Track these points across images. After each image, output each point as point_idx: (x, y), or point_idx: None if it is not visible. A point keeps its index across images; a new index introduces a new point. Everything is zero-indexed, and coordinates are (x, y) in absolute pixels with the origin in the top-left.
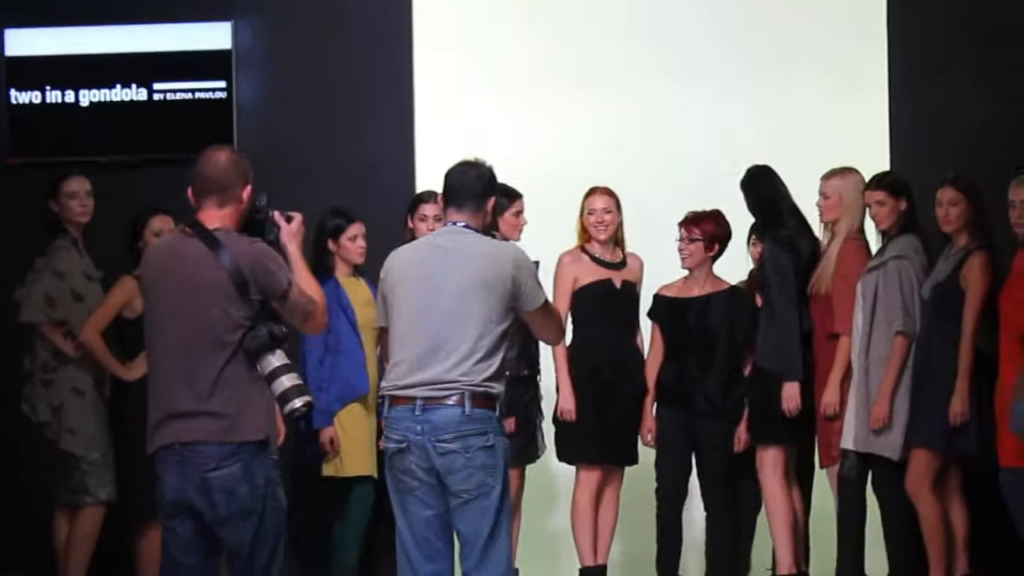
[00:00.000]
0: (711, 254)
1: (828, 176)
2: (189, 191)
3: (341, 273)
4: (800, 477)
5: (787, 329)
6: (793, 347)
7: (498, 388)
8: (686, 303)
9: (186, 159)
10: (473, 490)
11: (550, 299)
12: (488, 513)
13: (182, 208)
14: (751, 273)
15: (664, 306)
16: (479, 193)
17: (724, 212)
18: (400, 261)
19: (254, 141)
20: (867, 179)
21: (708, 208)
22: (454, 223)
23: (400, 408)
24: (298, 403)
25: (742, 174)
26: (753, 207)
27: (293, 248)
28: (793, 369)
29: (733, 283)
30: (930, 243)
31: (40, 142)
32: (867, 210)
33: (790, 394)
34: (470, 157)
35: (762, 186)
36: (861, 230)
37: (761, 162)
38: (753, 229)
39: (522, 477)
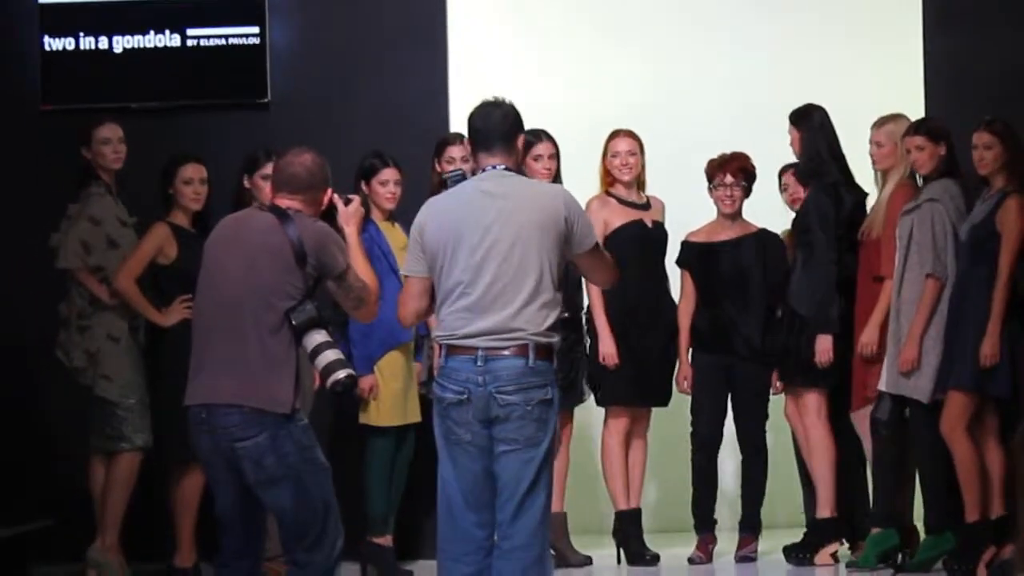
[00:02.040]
0: (746, 197)
1: (881, 123)
2: (267, 187)
3: (377, 218)
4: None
5: (826, 279)
6: (829, 299)
7: (557, 338)
8: (717, 248)
9: (219, 105)
10: (522, 441)
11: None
12: (532, 465)
13: (214, 154)
14: (794, 222)
15: (695, 252)
16: (506, 132)
17: (754, 158)
18: (444, 210)
19: (287, 86)
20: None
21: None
22: (493, 167)
23: (460, 358)
24: (341, 374)
25: (796, 108)
26: (803, 148)
27: (350, 231)
28: (828, 322)
29: (760, 226)
30: (973, 188)
31: (73, 88)
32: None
33: (824, 347)
34: (490, 97)
35: (816, 125)
36: (912, 175)
37: (787, 109)
38: (786, 173)
39: (571, 420)
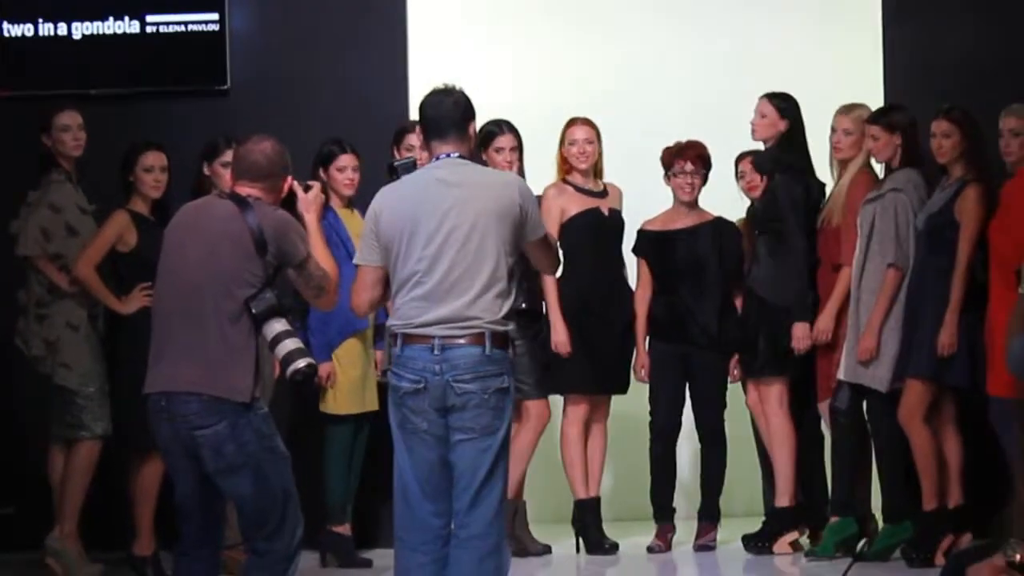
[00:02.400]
0: (703, 185)
1: (848, 110)
2: (227, 174)
3: (336, 205)
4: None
5: (800, 266)
6: (804, 286)
7: (512, 326)
8: (674, 236)
9: (178, 92)
10: (479, 430)
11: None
12: (488, 454)
13: (174, 141)
14: (754, 209)
15: (651, 240)
16: (459, 120)
17: (709, 146)
18: (399, 198)
19: (247, 73)
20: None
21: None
22: (447, 155)
23: (416, 347)
24: (301, 363)
25: (776, 92)
26: (778, 134)
27: (311, 218)
28: (805, 308)
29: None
30: (935, 178)
31: (32, 74)
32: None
33: (802, 333)
34: (440, 85)
35: (794, 112)
36: (870, 164)
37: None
38: (742, 160)
39: (548, 410)
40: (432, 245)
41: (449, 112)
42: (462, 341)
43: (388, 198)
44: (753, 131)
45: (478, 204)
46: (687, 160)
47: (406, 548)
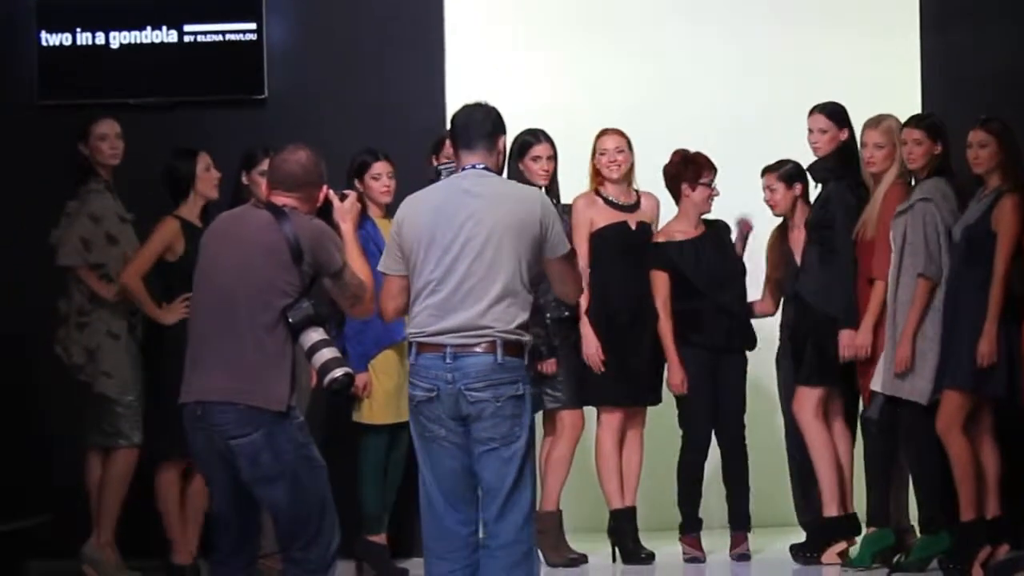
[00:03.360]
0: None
1: (877, 122)
2: (264, 184)
3: (374, 215)
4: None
5: (849, 275)
6: (852, 294)
7: (528, 336)
8: (692, 244)
9: (215, 101)
10: (499, 439)
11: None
12: (513, 463)
13: (211, 151)
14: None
15: (668, 252)
16: (488, 132)
17: (742, 158)
18: (421, 207)
19: (284, 83)
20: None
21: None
22: (472, 166)
23: (429, 356)
24: (338, 372)
25: (829, 104)
26: (834, 143)
27: (347, 227)
28: (852, 317)
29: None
30: (966, 188)
31: (70, 84)
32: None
33: (849, 341)
34: (472, 101)
35: (849, 120)
36: (904, 175)
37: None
38: (768, 175)
39: (583, 420)
40: (448, 254)
41: (479, 123)
42: (474, 350)
43: (410, 208)
44: (815, 148)
45: (497, 215)
46: (707, 170)
47: (434, 557)
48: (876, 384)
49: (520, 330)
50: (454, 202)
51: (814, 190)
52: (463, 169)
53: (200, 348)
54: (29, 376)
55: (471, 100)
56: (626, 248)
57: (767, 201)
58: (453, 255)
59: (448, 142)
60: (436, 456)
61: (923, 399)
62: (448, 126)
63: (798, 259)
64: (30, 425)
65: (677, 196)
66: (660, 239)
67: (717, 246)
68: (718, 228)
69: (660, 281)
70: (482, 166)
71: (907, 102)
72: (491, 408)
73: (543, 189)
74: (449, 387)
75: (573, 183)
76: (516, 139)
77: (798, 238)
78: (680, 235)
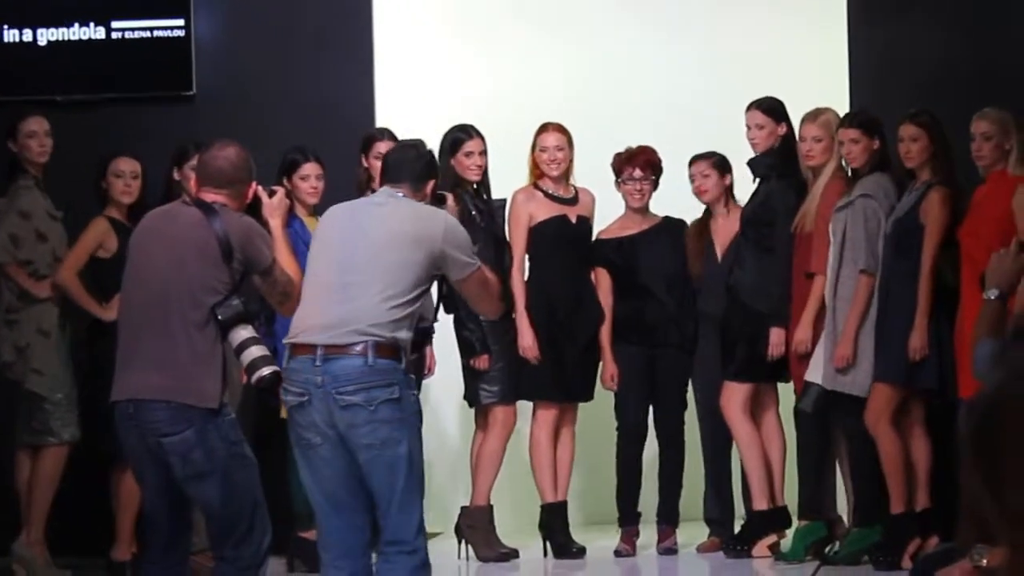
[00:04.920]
0: (654, 190)
1: (814, 116)
2: (192, 180)
3: (301, 214)
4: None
5: (784, 273)
6: (786, 292)
7: (404, 338)
8: (631, 241)
9: (144, 98)
10: (378, 444)
11: (480, 264)
12: (398, 468)
13: (140, 147)
14: (706, 211)
15: (610, 248)
16: (418, 173)
17: (676, 150)
18: (329, 215)
19: (213, 79)
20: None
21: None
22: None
23: (300, 359)
24: (266, 371)
25: (771, 99)
26: (772, 139)
27: (276, 223)
28: (784, 315)
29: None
30: (904, 182)
31: None
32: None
33: (779, 340)
34: (409, 139)
35: (787, 115)
36: (843, 168)
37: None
38: (695, 163)
39: (515, 413)
40: (338, 256)
41: (410, 162)
42: (344, 351)
43: (325, 215)
44: (754, 144)
45: (392, 224)
46: (636, 167)
47: (325, 565)
48: (814, 376)
49: (395, 331)
50: (358, 211)
51: (742, 184)
52: None
53: (131, 346)
54: None
55: (403, 122)
56: (566, 242)
57: (697, 188)
58: (340, 257)
59: (377, 140)
60: (313, 463)
61: (863, 392)
62: (380, 122)
63: (719, 250)
64: None
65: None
66: (603, 236)
67: (664, 244)
68: (669, 225)
69: (602, 277)
70: (401, 193)
71: (836, 97)
72: (364, 413)
73: (475, 185)
74: (319, 391)
75: (509, 178)
76: (447, 135)
77: (722, 228)
78: (615, 232)
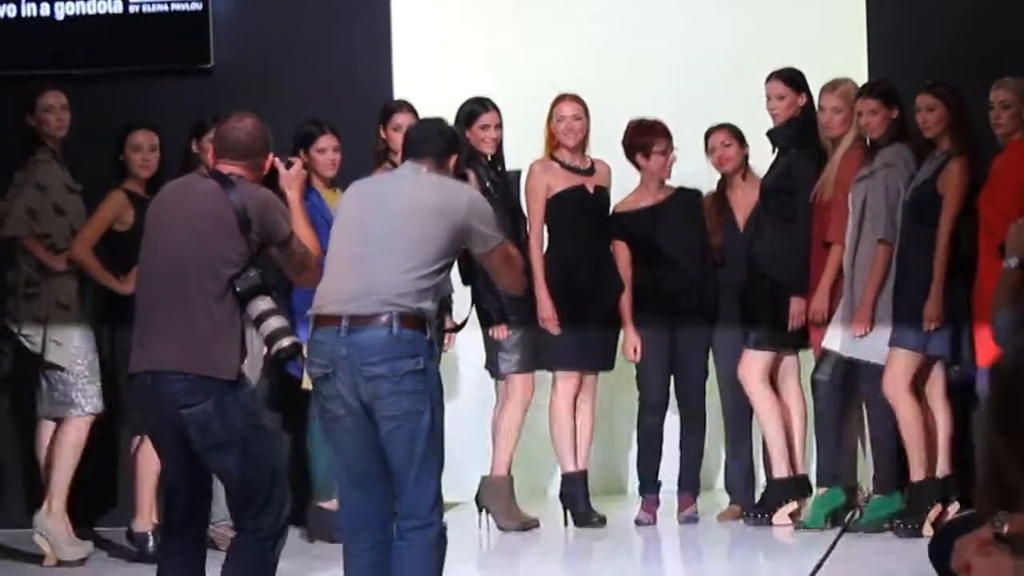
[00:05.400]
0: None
1: (834, 86)
2: (209, 152)
3: (318, 185)
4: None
5: (803, 243)
6: (805, 261)
7: (429, 309)
8: (649, 212)
9: (161, 71)
10: (401, 415)
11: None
12: (418, 438)
13: (158, 121)
14: (720, 183)
15: (628, 221)
16: (441, 148)
17: (694, 122)
18: (352, 189)
19: (230, 54)
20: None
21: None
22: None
23: (325, 330)
24: (285, 342)
25: (790, 70)
26: (792, 109)
27: (293, 195)
28: (804, 284)
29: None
30: (925, 151)
31: (15, 55)
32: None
33: (798, 309)
34: (431, 116)
35: (807, 85)
36: (861, 138)
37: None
38: (713, 134)
39: (534, 383)
40: (358, 226)
41: (432, 137)
42: (369, 322)
43: (347, 189)
44: (774, 114)
45: (419, 195)
46: (660, 138)
47: (346, 535)
48: (832, 344)
49: (419, 301)
50: (380, 183)
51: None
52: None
53: (149, 318)
54: None
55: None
56: (584, 212)
57: (719, 158)
58: (362, 227)
59: (395, 112)
60: (337, 436)
61: (881, 360)
62: (398, 94)
63: (740, 220)
64: None
65: (636, 166)
66: (619, 209)
67: (681, 214)
68: (685, 196)
69: (620, 250)
70: (425, 168)
71: (854, 67)
72: (388, 385)
73: (489, 157)
74: (344, 362)
75: (525, 151)
76: (463, 107)
77: (742, 198)
78: (632, 204)
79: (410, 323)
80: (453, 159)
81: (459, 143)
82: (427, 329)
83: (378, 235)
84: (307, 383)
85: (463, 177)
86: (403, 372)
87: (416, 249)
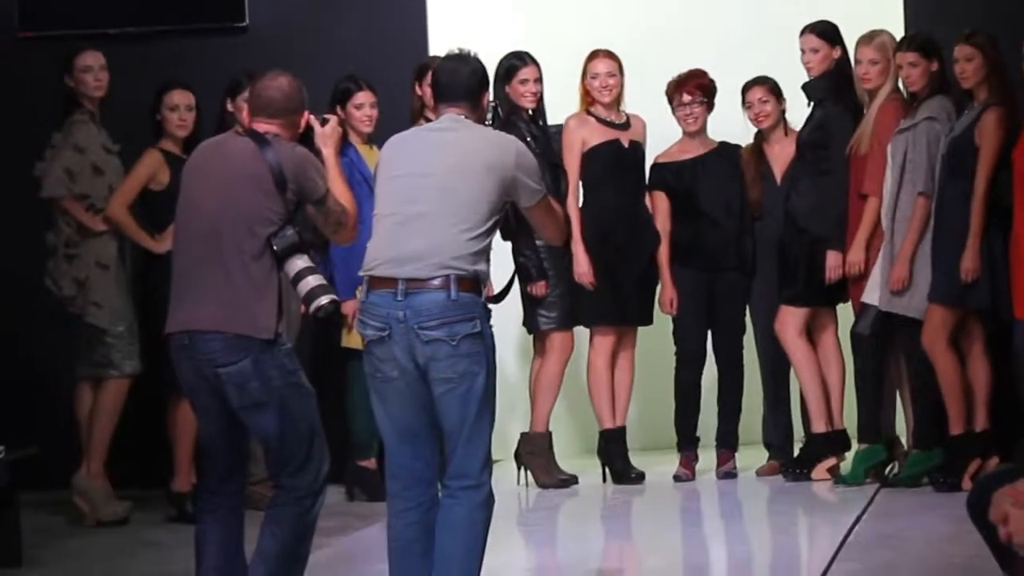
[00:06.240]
0: (709, 113)
1: (870, 38)
2: (245, 111)
3: (355, 142)
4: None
5: (841, 196)
6: (842, 215)
7: (483, 271)
8: (688, 164)
9: (197, 29)
10: (457, 378)
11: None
12: (471, 400)
13: (194, 79)
14: (757, 136)
15: (668, 172)
16: (474, 89)
17: (730, 77)
18: (393, 144)
19: (265, 11)
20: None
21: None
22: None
23: (380, 292)
24: (324, 300)
25: (824, 22)
26: (827, 62)
27: (328, 152)
28: (841, 238)
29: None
30: (965, 103)
31: (50, 16)
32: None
33: (835, 262)
34: (455, 50)
35: (842, 38)
36: (899, 90)
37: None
38: (750, 90)
39: (572, 339)
40: (408, 185)
41: (464, 79)
42: (426, 285)
43: (387, 145)
44: (809, 68)
45: (466, 150)
46: (684, 91)
47: (391, 494)
48: (871, 298)
49: (476, 264)
50: (424, 138)
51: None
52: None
53: (185, 278)
54: (20, 309)
55: (455, 47)
56: (619, 166)
57: (756, 114)
58: (411, 186)
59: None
60: (387, 395)
61: (919, 314)
62: (433, 51)
63: (777, 175)
64: (22, 357)
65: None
66: (660, 159)
67: (722, 169)
68: (726, 150)
69: (659, 201)
70: (462, 116)
71: (890, 19)
72: (446, 347)
73: (530, 112)
74: (401, 326)
75: (561, 107)
76: (501, 62)
77: (779, 153)
78: (672, 156)
79: (467, 286)
80: (486, 96)
81: (487, 78)
82: (482, 291)
83: (430, 194)
84: (347, 341)
85: (495, 112)
86: (461, 335)
87: (470, 208)
